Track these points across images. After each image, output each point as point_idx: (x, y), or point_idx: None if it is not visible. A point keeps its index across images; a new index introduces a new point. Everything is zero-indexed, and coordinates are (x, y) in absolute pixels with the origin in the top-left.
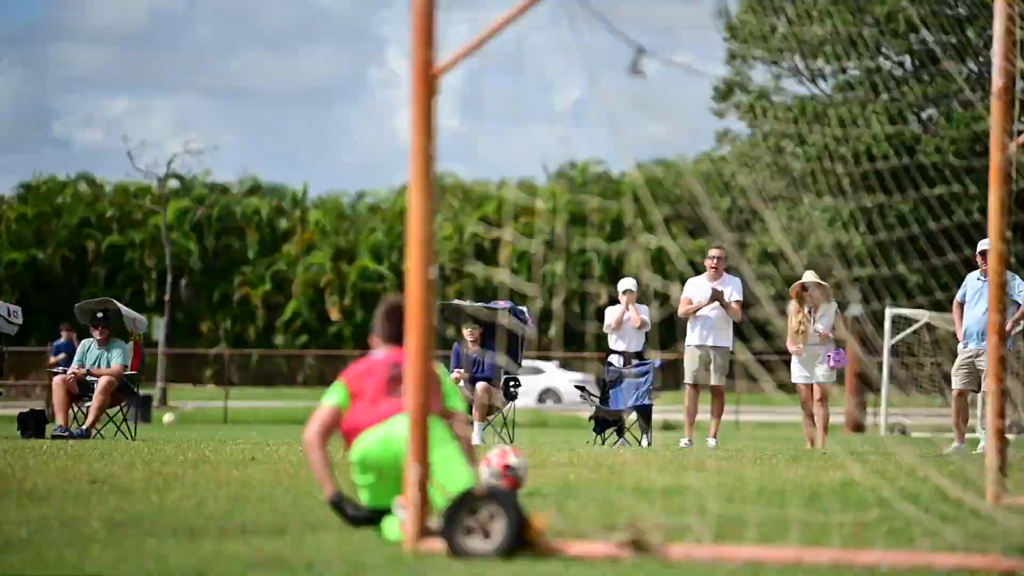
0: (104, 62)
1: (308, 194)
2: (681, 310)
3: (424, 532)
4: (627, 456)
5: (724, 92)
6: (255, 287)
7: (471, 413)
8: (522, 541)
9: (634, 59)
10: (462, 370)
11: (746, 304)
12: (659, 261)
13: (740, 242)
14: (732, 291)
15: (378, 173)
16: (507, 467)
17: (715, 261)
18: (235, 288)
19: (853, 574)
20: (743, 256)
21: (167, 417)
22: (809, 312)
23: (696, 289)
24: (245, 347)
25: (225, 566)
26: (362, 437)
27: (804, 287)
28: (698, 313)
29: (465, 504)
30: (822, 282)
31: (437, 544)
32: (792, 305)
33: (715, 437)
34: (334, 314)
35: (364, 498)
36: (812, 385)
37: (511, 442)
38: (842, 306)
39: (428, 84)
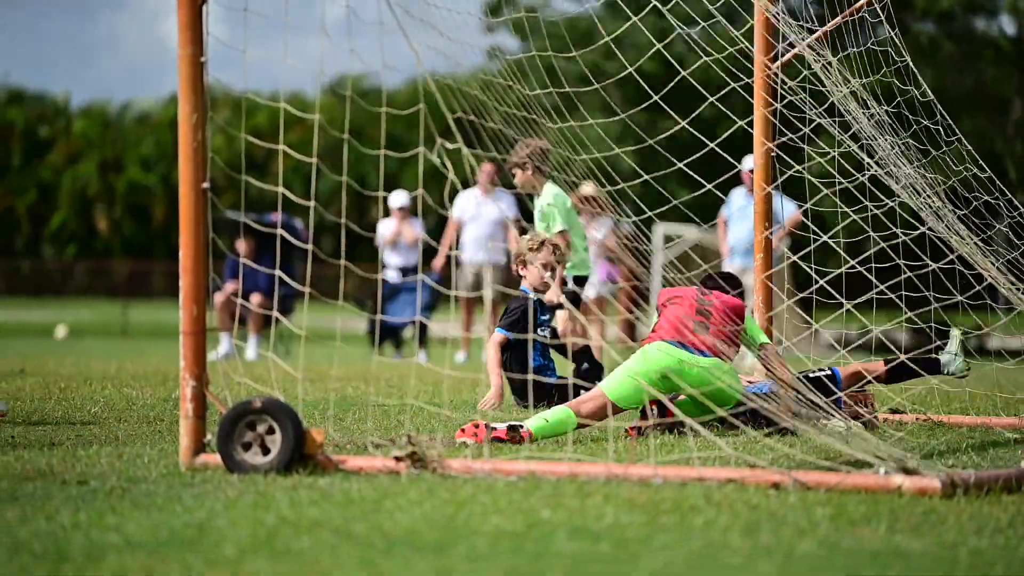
0: None
1: (72, 103)
2: (449, 232)
3: (201, 447)
4: (404, 370)
5: (494, 7)
6: (19, 196)
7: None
8: (301, 455)
9: None
10: (236, 281)
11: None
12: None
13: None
14: (506, 207)
15: (145, 82)
16: None
17: (487, 176)
18: None
19: (627, 487)
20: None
21: (60, 330)
22: (587, 223)
23: (467, 204)
24: (12, 257)
25: None
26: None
27: (584, 199)
28: (471, 229)
29: (242, 418)
30: (598, 194)
31: (214, 459)
32: None
33: None
34: (102, 225)
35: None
36: (588, 298)
37: (288, 354)
38: (615, 222)
39: None
